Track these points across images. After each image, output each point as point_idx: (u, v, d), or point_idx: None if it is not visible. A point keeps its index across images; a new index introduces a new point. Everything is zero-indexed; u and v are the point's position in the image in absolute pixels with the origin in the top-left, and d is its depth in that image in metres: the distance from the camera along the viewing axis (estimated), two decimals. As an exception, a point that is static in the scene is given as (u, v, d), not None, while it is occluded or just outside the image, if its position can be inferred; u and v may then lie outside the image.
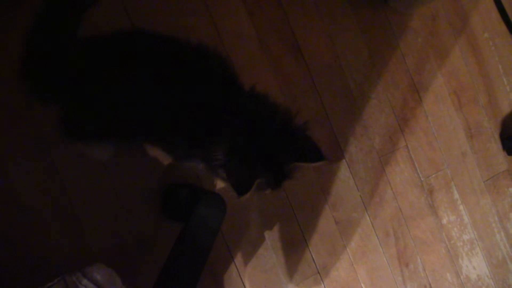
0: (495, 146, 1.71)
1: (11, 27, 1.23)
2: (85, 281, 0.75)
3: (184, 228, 1.12)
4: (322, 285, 1.46)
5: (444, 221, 1.62)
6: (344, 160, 1.51)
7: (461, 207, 1.64)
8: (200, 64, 0.99)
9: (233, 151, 0.93)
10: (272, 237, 1.41)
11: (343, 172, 1.51)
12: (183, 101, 0.96)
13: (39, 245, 1.21)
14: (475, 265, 1.64)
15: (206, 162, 1.03)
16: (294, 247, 1.44)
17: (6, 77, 1.21)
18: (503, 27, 1.75)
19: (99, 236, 1.25)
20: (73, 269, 0.79)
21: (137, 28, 1.25)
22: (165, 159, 1.32)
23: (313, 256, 1.46)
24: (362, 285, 1.50)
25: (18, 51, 1.18)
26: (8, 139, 1.21)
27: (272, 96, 1.02)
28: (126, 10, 1.32)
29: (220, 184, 1.35)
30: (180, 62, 0.99)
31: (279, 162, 0.94)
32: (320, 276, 1.46)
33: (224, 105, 0.97)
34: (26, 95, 1.14)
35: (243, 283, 1.38)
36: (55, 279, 0.75)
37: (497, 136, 1.71)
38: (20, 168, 1.21)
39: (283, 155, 0.94)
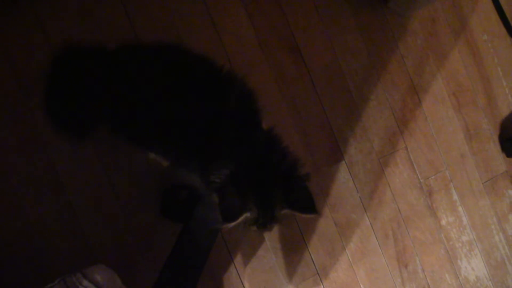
0: (494, 147, 1.71)
1: (10, 28, 1.24)
2: (85, 282, 0.75)
3: (184, 229, 1.13)
4: (322, 286, 1.46)
5: (443, 222, 1.62)
6: (343, 162, 1.52)
7: (460, 209, 1.64)
8: (227, 90, 1.03)
9: (233, 179, 0.95)
10: (271, 238, 1.42)
11: (343, 173, 1.51)
12: (204, 118, 0.99)
13: (39, 246, 1.22)
14: (473, 266, 1.65)
15: (204, 178, 1.05)
16: (293, 248, 1.44)
17: (6, 78, 1.22)
18: (502, 29, 1.75)
19: (99, 237, 1.26)
20: (74, 270, 0.79)
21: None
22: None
23: (313, 257, 1.46)
24: (361, 286, 1.51)
25: (17, 52, 1.20)
26: (7, 141, 1.22)
27: (287, 143, 1.03)
28: (127, 13, 1.33)
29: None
30: (210, 85, 1.03)
31: (273, 205, 0.95)
32: (319, 277, 1.46)
33: (241, 134, 1.00)
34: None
35: (242, 284, 1.38)
36: (55, 280, 0.76)
37: (496, 137, 1.72)
38: (19, 170, 1.22)
39: (278, 199, 0.95)
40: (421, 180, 1.60)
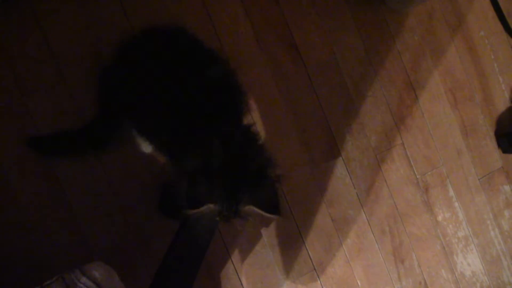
0: (490, 143, 1.72)
1: (8, 27, 1.23)
2: (83, 279, 0.75)
3: (181, 225, 1.13)
4: (318, 281, 1.47)
5: (440, 218, 1.63)
6: (340, 158, 1.52)
7: (456, 204, 1.65)
8: (217, 82, 1.07)
9: (204, 168, 0.96)
10: (268, 234, 1.42)
11: (340, 169, 1.52)
12: (187, 102, 1.02)
13: (37, 243, 1.21)
14: (469, 262, 1.66)
15: (177, 166, 1.09)
16: (290, 244, 1.45)
17: (6, 78, 1.22)
18: (498, 26, 1.76)
19: (96, 234, 1.26)
20: (72, 267, 0.79)
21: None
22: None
23: (310, 253, 1.47)
24: (358, 281, 1.51)
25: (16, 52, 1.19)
26: (6, 140, 1.21)
27: (263, 140, 1.07)
28: (124, 9, 1.32)
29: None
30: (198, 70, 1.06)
31: (237, 199, 0.96)
32: (316, 273, 1.47)
33: (218, 126, 1.02)
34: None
35: (240, 280, 1.39)
36: (53, 277, 0.76)
37: (492, 134, 1.73)
38: (18, 168, 1.22)
39: (244, 195, 0.96)
40: (417, 176, 1.61)
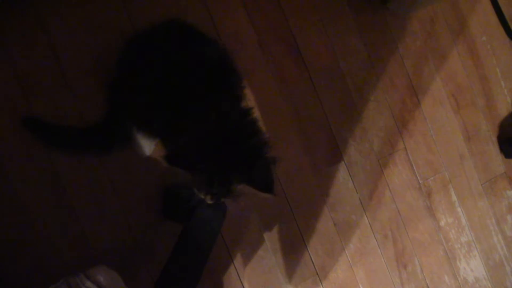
0: (493, 149, 1.72)
1: (11, 27, 1.23)
2: (88, 283, 0.75)
3: (185, 229, 1.13)
4: (321, 286, 1.46)
5: (442, 223, 1.62)
6: (343, 162, 1.52)
7: (458, 210, 1.65)
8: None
9: (198, 144, 0.97)
10: (271, 239, 1.42)
11: (342, 174, 1.52)
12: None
13: (42, 248, 1.21)
14: (472, 267, 1.65)
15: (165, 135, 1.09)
16: (293, 249, 1.44)
17: (7, 79, 1.22)
18: (501, 31, 1.76)
19: (99, 237, 1.25)
20: (76, 271, 0.79)
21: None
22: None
23: (312, 258, 1.46)
24: (361, 286, 1.51)
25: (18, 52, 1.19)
26: (8, 141, 1.21)
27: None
28: (128, 13, 1.32)
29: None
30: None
31: (231, 177, 0.96)
32: (319, 277, 1.46)
33: (212, 106, 1.02)
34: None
35: (242, 284, 1.38)
36: (58, 281, 0.75)
37: (494, 139, 1.73)
38: (20, 171, 1.21)
39: (238, 173, 0.96)
40: (420, 181, 1.61)
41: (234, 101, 1.10)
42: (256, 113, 1.42)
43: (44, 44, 1.25)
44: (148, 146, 1.26)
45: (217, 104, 1.02)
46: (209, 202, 1.01)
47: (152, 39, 1.13)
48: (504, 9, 1.75)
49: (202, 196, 1.01)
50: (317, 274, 1.46)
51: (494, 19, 1.76)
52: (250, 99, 1.41)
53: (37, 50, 1.25)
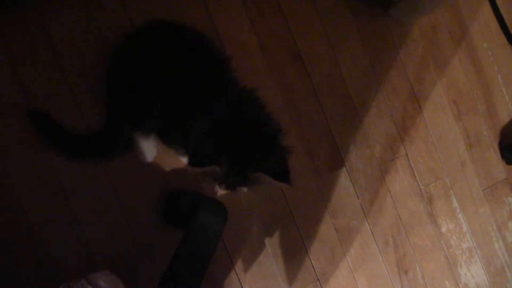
0: (494, 155, 1.72)
1: (12, 28, 1.25)
2: (89, 288, 0.75)
3: (185, 235, 1.13)
4: (322, 292, 1.47)
5: (443, 229, 1.62)
6: (344, 168, 1.52)
7: (460, 216, 1.65)
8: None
9: (212, 130, 0.94)
10: (272, 244, 1.42)
11: (343, 180, 1.52)
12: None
13: (43, 253, 1.21)
14: (473, 274, 1.65)
15: (182, 131, 1.06)
16: (294, 254, 1.45)
17: (8, 81, 1.22)
18: (502, 38, 1.77)
19: (101, 243, 1.26)
20: (77, 276, 0.79)
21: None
22: (167, 165, 1.33)
23: (313, 263, 1.46)
24: (362, 292, 1.51)
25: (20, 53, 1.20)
26: (9, 147, 1.22)
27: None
28: (130, 16, 1.33)
29: (221, 192, 1.36)
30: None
31: (247, 164, 0.93)
32: (320, 283, 1.46)
33: (226, 93, 1.02)
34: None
35: (243, 289, 1.39)
36: (59, 286, 0.76)
37: (496, 145, 1.73)
38: (22, 177, 1.22)
39: (254, 160, 0.93)
40: (421, 187, 1.61)
41: (234, 85, 1.09)
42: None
43: (45, 46, 1.26)
44: (150, 152, 1.26)
45: (222, 96, 1.01)
46: (223, 190, 0.99)
47: (136, 42, 1.15)
48: (505, 16, 1.76)
49: (217, 185, 0.99)
50: (318, 280, 1.46)
51: (495, 25, 1.76)
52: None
53: (39, 53, 1.26)
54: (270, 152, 0.95)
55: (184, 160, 1.24)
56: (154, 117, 1.12)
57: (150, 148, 1.26)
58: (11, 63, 1.23)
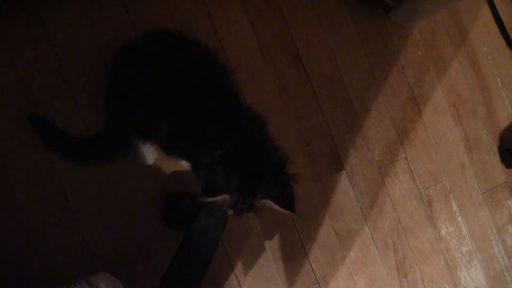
0: (494, 158, 1.72)
1: (13, 29, 1.25)
2: (89, 290, 0.76)
3: (185, 237, 1.13)
4: (321, 295, 1.47)
5: (443, 232, 1.63)
6: (344, 171, 1.52)
7: (459, 219, 1.65)
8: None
9: (222, 159, 0.97)
10: (272, 247, 1.42)
11: (343, 183, 1.52)
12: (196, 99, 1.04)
13: (43, 255, 1.22)
14: (473, 277, 1.65)
15: (194, 159, 1.10)
16: (294, 257, 1.45)
17: (10, 83, 1.23)
18: (501, 42, 1.77)
19: (101, 245, 1.26)
20: (77, 278, 0.79)
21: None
22: (167, 168, 1.33)
23: (313, 266, 1.46)
24: (361, 295, 1.51)
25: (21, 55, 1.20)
26: (11, 147, 1.22)
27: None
28: (132, 22, 1.34)
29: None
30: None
31: (254, 192, 0.96)
32: (320, 286, 1.46)
33: (236, 121, 1.04)
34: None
35: (242, 292, 1.39)
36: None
37: (495, 148, 1.73)
38: (22, 178, 1.22)
39: (261, 188, 0.96)
40: (421, 190, 1.61)
41: (242, 107, 1.11)
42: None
43: (47, 50, 1.27)
44: (150, 154, 1.27)
45: (233, 124, 1.03)
46: (230, 214, 1.02)
47: (139, 49, 1.15)
48: (504, 20, 1.76)
49: (225, 209, 1.02)
50: (318, 282, 1.46)
51: (495, 30, 1.77)
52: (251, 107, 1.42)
53: (40, 56, 1.26)
54: (276, 181, 0.98)
55: (184, 164, 1.25)
56: (155, 130, 1.13)
57: (151, 151, 1.26)
58: (12, 66, 1.24)
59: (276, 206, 0.96)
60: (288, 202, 0.97)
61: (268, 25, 1.49)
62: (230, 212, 1.03)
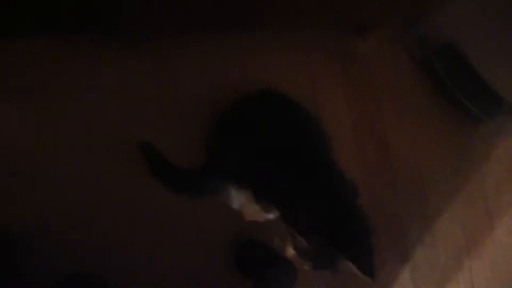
0: None
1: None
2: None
3: (256, 285, 1.13)
4: None
5: None
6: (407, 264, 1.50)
7: None
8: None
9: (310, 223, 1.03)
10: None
11: (404, 276, 1.50)
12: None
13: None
14: None
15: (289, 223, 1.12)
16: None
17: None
18: None
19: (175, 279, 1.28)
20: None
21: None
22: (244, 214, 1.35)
23: None
24: None
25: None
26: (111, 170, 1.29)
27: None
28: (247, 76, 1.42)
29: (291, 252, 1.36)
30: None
31: (337, 254, 0.99)
32: None
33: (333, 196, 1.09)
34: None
35: None
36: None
37: None
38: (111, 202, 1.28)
39: (345, 252, 0.99)
40: (478, 305, 1.56)
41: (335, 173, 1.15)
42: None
43: (171, 88, 1.37)
44: (237, 199, 1.29)
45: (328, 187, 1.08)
46: (306, 267, 1.04)
47: (251, 105, 1.23)
48: None
49: (303, 261, 1.04)
50: None
51: None
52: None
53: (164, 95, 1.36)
54: (360, 245, 1.01)
55: (268, 215, 1.26)
56: (251, 183, 1.19)
57: (238, 196, 1.28)
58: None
59: (356, 270, 0.97)
60: (368, 268, 0.98)
61: (362, 105, 1.55)
62: (307, 264, 1.04)
